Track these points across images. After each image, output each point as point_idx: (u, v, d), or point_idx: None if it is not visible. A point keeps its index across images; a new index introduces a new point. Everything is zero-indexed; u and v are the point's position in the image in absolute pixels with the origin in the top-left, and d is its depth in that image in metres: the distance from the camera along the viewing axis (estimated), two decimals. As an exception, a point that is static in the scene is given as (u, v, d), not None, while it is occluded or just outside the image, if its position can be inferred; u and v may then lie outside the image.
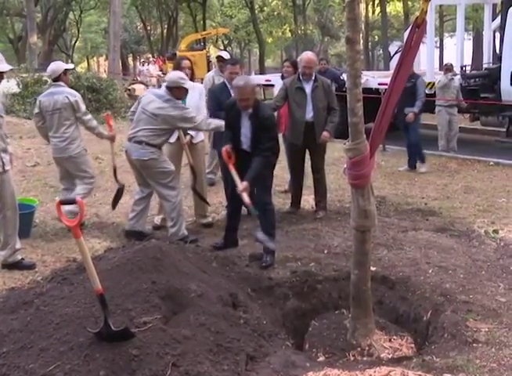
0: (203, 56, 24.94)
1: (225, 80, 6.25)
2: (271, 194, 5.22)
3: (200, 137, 6.06)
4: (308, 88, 6.23)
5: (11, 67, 5.01)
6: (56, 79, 5.93)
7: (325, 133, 6.22)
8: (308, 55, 6.47)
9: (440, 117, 10.53)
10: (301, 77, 6.28)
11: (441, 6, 20.65)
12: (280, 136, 6.10)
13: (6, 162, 4.77)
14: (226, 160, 4.94)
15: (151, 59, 26.64)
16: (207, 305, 3.65)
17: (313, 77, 6.24)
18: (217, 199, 6.97)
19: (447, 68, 10.58)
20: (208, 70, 23.13)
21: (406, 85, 8.47)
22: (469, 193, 7.45)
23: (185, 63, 5.94)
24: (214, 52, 39.50)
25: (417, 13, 3.57)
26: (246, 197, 4.67)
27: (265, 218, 5.03)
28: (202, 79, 9.14)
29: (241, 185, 4.70)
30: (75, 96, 5.86)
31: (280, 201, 6.92)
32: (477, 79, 11.73)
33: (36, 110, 6.00)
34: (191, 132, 5.83)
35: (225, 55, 7.98)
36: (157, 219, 6.13)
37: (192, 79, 5.93)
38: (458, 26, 13.23)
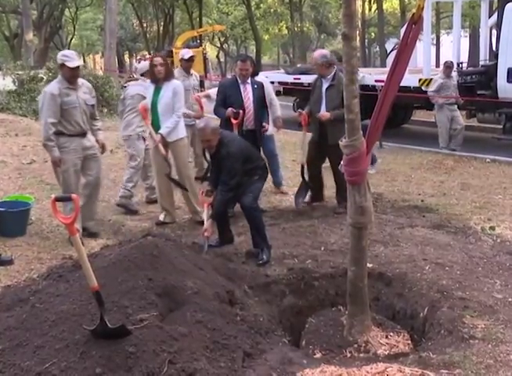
0: (200, 54, 24.85)
1: (236, 76, 6.38)
2: (256, 199, 5.22)
3: (177, 135, 5.96)
4: (324, 86, 6.27)
5: None
6: (142, 74, 6.88)
7: (325, 113, 6.19)
8: (314, 53, 6.61)
9: (441, 114, 10.51)
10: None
11: (437, 3, 20.63)
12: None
13: None
14: (202, 201, 5.27)
15: (146, 56, 26.56)
16: (204, 302, 3.64)
17: (331, 76, 6.21)
18: (213, 196, 6.95)
19: (447, 66, 10.53)
20: (205, 67, 23.13)
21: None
22: (465, 189, 7.45)
23: (156, 60, 5.89)
24: (210, 50, 39.52)
25: (414, 10, 3.56)
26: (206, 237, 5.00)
27: (249, 221, 5.11)
28: (201, 76, 9.10)
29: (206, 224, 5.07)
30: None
31: (277, 198, 6.92)
32: (473, 76, 11.73)
33: (122, 97, 7.05)
34: (161, 131, 5.81)
35: (186, 54, 7.77)
36: (162, 216, 6.15)
37: (166, 77, 5.86)
38: (454, 23, 13.22)
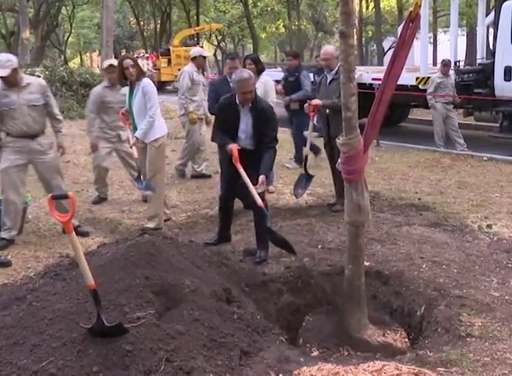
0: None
1: (226, 74, 6.47)
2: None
3: (154, 135, 5.75)
4: (328, 80, 6.35)
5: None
6: None
7: (317, 100, 6.25)
8: (325, 47, 6.71)
9: (436, 112, 10.52)
10: (325, 69, 6.48)
11: (434, 1, 20.69)
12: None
13: None
14: (236, 159, 4.73)
15: (141, 54, 26.50)
16: (201, 300, 3.64)
17: (335, 70, 6.20)
18: (211, 194, 6.96)
19: (445, 64, 10.53)
20: (202, 66, 23.11)
21: (289, 80, 8.81)
22: (462, 188, 7.46)
23: (127, 62, 5.71)
24: (208, 48, 39.50)
25: (411, 8, 3.56)
26: (258, 197, 4.51)
27: (260, 221, 4.90)
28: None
29: (256, 181, 4.56)
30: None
31: (274, 197, 6.92)
32: (470, 74, 11.74)
33: None
34: (137, 134, 5.70)
35: (206, 53, 8.29)
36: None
37: (137, 77, 5.71)
38: (452, 21, 13.22)
